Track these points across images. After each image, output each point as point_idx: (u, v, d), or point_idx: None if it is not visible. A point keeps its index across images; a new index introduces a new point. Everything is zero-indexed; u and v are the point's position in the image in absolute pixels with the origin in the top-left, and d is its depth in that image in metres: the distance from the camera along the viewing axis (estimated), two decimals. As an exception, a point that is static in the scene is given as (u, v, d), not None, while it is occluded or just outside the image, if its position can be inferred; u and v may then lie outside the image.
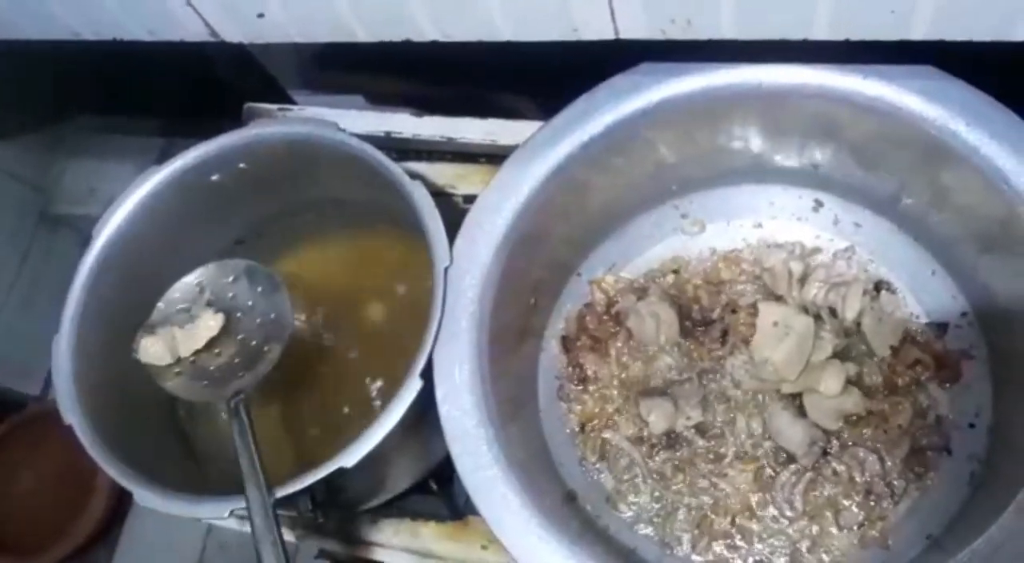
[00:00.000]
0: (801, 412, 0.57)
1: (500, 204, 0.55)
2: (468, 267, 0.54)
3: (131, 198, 0.61)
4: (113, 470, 0.53)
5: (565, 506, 0.57)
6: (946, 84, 0.50)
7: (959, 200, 0.52)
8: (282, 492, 0.50)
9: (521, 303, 0.60)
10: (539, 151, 0.55)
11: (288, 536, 0.71)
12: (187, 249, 0.66)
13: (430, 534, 0.68)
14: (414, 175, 0.72)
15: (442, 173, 0.74)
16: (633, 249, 0.67)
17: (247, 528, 0.66)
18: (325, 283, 0.69)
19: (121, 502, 1.25)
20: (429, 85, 0.76)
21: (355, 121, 0.72)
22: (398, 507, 0.69)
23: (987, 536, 0.44)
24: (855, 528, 0.55)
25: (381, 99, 0.77)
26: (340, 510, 0.65)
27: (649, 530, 0.59)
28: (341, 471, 0.50)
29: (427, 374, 0.52)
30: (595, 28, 0.46)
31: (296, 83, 0.83)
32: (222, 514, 0.51)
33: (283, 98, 0.84)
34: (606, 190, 0.61)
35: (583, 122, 0.55)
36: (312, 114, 0.73)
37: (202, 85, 0.95)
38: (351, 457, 0.50)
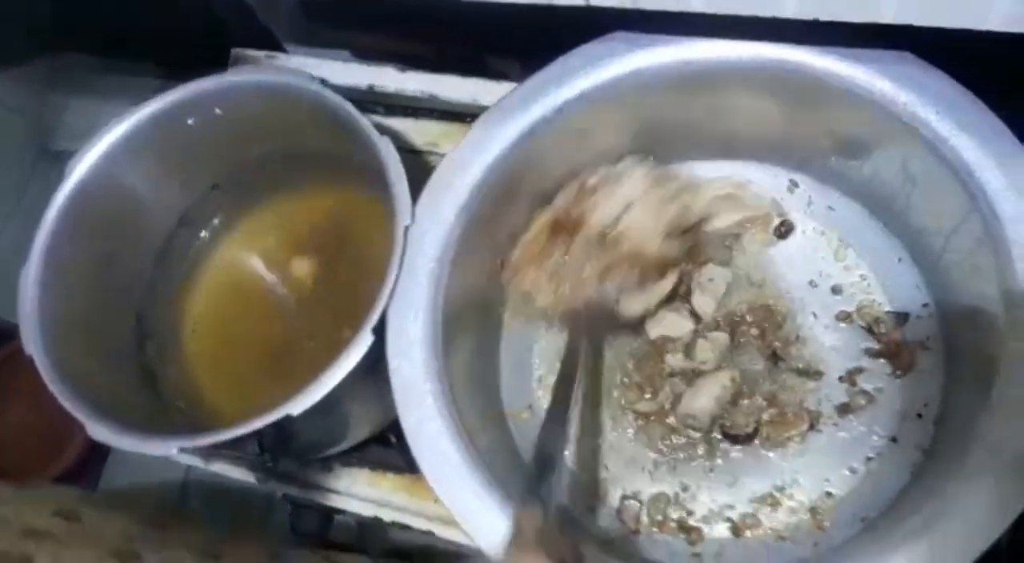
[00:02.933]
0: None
1: (467, 163, 0.55)
2: (430, 226, 0.54)
3: (107, 137, 0.61)
4: (68, 402, 0.54)
5: (514, 471, 0.57)
6: (922, 71, 0.49)
7: (926, 190, 0.52)
8: (228, 435, 0.51)
9: (486, 263, 0.60)
10: (510, 113, 0.55)
11: (248, 478, 0.73)
12: (163, 191, 0.67)
13: (388, 485, 0.69)
14: (395, 131, 0.73)
15: (427, 131, 0.74)
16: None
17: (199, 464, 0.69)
18: (300, 233, 0.69)
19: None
20: (416, 43, 0.76)
21: (339, 73, 0.72)
22: (358, 457, 0.70)
23: (922, 516, 0.44)
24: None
25: (370, 56, 0.77)
26: (296, 457, 0.65)
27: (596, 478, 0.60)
28: (288, 418, 0.51)
29: (381, 330, 0.52)
30: (568, -8, 0.45)
31: (288, 35, 0.82)
32: (170, 451, 0.52)
33: (276, 48, 0.83)
34: (578, 156, 0.60)
35: (556, 86, 0.55)
36: (296, 64, 0.73)
37: (204, 32, 0.95)
38: (297, 406, 0.50)
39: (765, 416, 0.58)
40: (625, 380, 0.62)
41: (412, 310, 0.52)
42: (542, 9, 0.47)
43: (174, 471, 1.30)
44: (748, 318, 0.60)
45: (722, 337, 0.59)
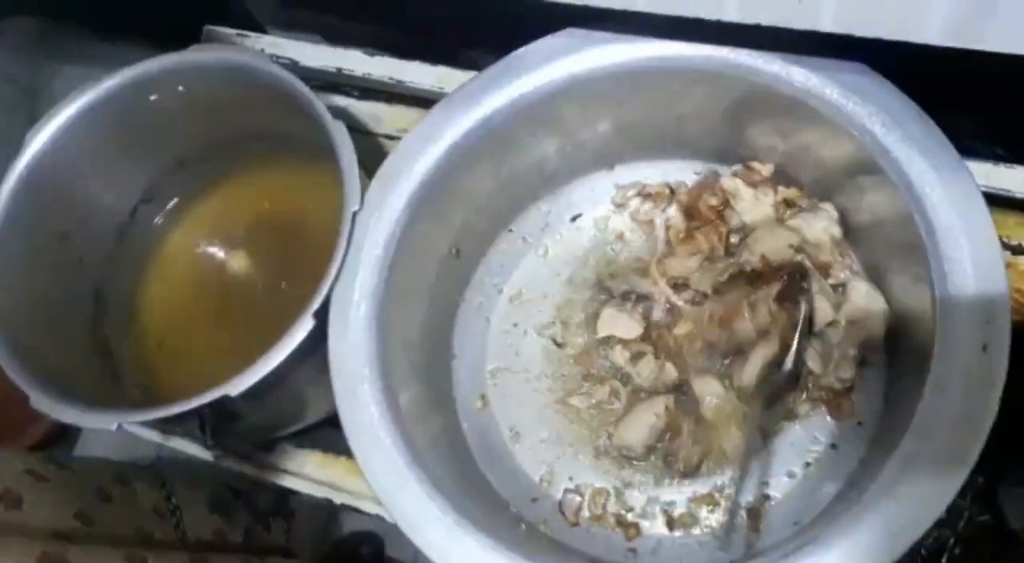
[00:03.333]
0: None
1: (419, 151, 0.55)
2: (378, 213, 0.54)
3: (66, 110, 0.61)
4: (13, 373, 0.54)
5: (458, 461, 0.58)
6: (872, 82, 0.49)
7: (871, 198, 0.52)
8: (167, 412, 0.52)
9: (437, 251, 0.60)
10: (465, 103, 0.55)
11: (206, 456, 0.73)
12: (124, 168, 0.67)
13: (339, 468, 0.69)
14: (366, 115, 0.73)
15: (401, 116, 0.74)
16: (567, 213, 0.67)
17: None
18: (260, 214, 0.69)
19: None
20: (389, 30, 0.75)
21: (308, 55, 0.72)
22: (310, 439, 0.70)
23: (851, 514, 0.44)
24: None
25: (344, 41, 0.76)
26: (243, 437, 0.66)
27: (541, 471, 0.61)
28: (227, 399, 0.51)
29: (324, 314, 0.52)
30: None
31: (267, 18, 0.82)
32: (110, 425, 0.53)
33: (256, 30, 0.83)
34: (535, 150, 0.61)
35: (512, 77, 0.55)
36: (266, 44, 0.73)
37: (191, 8, 0.95)
38: (235, 387, 0.51)
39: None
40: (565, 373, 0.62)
41: (355, 296, 0.53)
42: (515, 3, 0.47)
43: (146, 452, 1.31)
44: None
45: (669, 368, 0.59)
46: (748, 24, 0.42)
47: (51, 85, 1.31)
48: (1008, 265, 0.62)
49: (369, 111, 0.76)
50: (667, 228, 0.64)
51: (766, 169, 0.59)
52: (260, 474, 0.73)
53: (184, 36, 0.76)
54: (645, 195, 0.65)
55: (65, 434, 1.26)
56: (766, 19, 0.41)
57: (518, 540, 0.52)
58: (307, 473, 0.71)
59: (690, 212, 0.61)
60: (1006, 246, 0.62)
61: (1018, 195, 0.58)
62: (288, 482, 0.72)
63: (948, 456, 0.42)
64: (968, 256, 0.45)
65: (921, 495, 0.42)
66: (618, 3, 0.44)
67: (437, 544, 0.47)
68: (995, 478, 0.62)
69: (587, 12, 0.46)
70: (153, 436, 0.75)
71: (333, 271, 0.52)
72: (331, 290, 0.52)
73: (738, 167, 0.61)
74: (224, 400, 0.52)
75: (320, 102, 0.56)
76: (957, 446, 0.42)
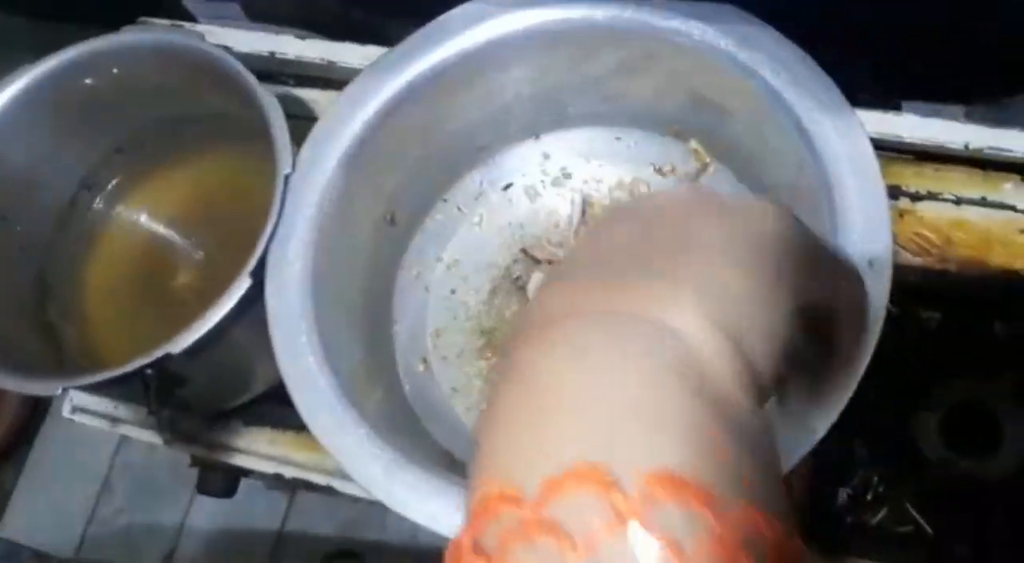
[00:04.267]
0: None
1: (349, 116, 0.58)
2: (310, 174, 0.57)
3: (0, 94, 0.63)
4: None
5: (395, 411, 0.60)
6: (748, 24, 0.53)
7: (772, 145, 0.56)
8: (109, 374, 0.53)
9: (371, 216, 0.62)
10: (390, 69, 0.58)
11: (156, 440, 0.75)
12: (62, 152, 0.68)
13: (288, 442, 0.71)
14: (303, 101, 0.75)
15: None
16: (499, 183, 0.70)
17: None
18: (200, 193, 0.71)
19: (34, 413, 1.28)
20: (317, 9, 0.78)
21: (240, 40, 0.74)
22: (259, 416, 0.72)
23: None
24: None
25: (272, 21, 0.79)
26: (190, 408, 0.67)
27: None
28: (169, 357, 0.53)
29: (260, 274, 0.55)
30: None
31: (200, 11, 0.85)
32: (55, 390, 0.54)
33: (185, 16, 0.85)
34: (463, 118, 0.63)
35: (435, 44, 0.58)
36: (199, 31, 0.75)
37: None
38: (176, 345, 0.53)
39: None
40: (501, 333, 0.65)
41: (290, 254, 0.55)
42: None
43: (105, 448, 1.31)
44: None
45: None
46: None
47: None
48: (906, 213, 0.67)
49: (305, 97, 0.78)
50: (584, 203, 0.67)
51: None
52: (210, 454, 0.75)
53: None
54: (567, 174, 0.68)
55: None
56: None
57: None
58: (257, 449, 0.72)
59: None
60: (904, 194, 0.67)
61: (908, 141, 0.62)
62: (239, 460, 0.73)
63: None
64: (856, 202, 0.48)
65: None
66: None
67: (379, 480, 0.49)
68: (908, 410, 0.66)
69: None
70: (101, 423, 0.76)
71: (267, 231, 0.55)
72: (266, 250, 0.55)
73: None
74: (166, 360, 0.53)
75: (250, 74, 0.58)
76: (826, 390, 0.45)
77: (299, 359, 0.52)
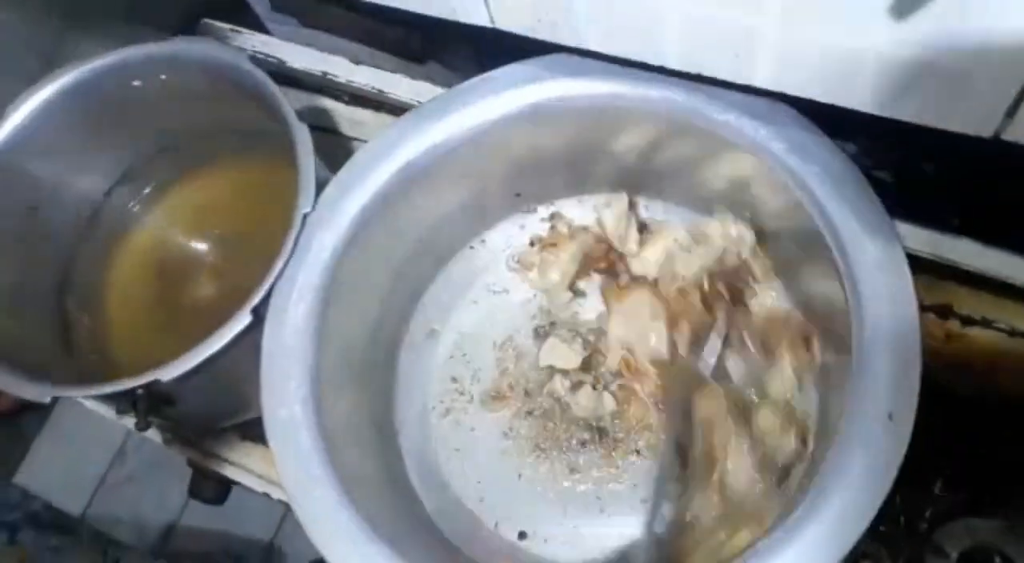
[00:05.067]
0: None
1: (379, 161, 0.56)
2: (330, 216, 0.55)
3: (50, 86, 0.63)
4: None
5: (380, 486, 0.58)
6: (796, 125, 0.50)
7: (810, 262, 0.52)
8: (99, 390, 0.53)
9: (390, 264, 0.61)
10: (427, 118, 0.56)
11: (157, 438, 0.75)
12: (103, 149, 0.68)
13: (279, 464, 0.70)
14: (336, 120, 0.74)
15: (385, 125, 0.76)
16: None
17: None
18: (229, 206, 0.71)
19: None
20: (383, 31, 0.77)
21: (296, 57, 0.74)
22: (257, 432, 0.71)
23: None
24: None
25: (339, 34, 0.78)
26: (181, 423, 0.67)
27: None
28: (158, 383, 0.52)
29: (263, 310, 0.54)
30: (471, 13, 0.46)
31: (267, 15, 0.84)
32: (44, 398, 0.54)
33: (255, 25, 0.85)
34: (504, 169, 0.61)
35: (480, 96, 0.56)
36: (257, 42, 0.74)
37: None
38: (166, 373, 0.52)
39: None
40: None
41: (295, 296, 0.53)
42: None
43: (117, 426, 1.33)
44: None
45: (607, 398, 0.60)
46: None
47: (72, 58, 1.33)
48: (953, 337, 0.63)
49: (355, 117, 0.77)
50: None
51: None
52: (204, 461, 0.74)
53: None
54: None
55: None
56: (704, 70, 0.42)
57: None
58: (249, 466, 0.72)
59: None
60: (955, 315, 0.63)
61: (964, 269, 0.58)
62: (231, 473, 0.73)
63: (845, 515, 0.42)
64: (887, 354, 0.45)
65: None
66: (569, 39, 0.45)
67: (339, 553, 0.47)
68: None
69: (545, 47, 0.47)
70: (106, 410, 0.77)
71: (277, 268, 0.54)
72: (272, 287, 0.53)
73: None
74: (156, 384, 0.53)
75: (287, 104, 0.57)
76: (853, 509, 0.42)
77: (284, 407, 0.51)
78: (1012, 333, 0.62)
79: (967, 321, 0.63)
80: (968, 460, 0.63)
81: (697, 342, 0.59)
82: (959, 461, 0.63)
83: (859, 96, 0.39)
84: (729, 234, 0.57)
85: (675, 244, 0.59)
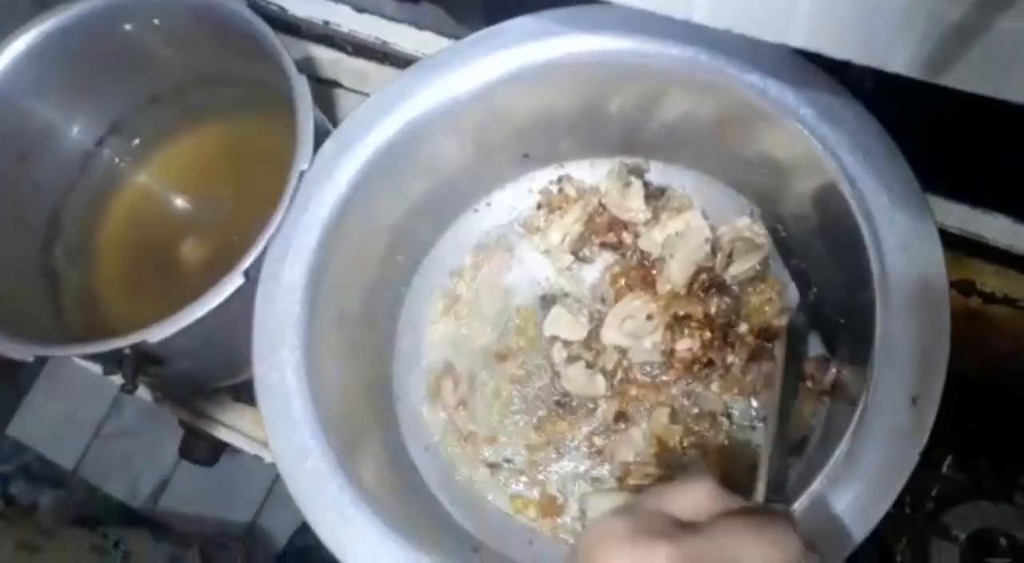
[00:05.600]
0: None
1: (381, 117, 0.53)
2: (330, 173, 0.52)
3: (34, 29, 0.59)
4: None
5: (373, 440, 0.56)
6: (844, 105, 0.47)
7: (834, 239, 0.50)
8: (84, 350, 0.51)
9: (390, 223, 0.58)
10: (434, 72, 0.53)
11: (147, 397, 0.73)
12: (94, 96, 0.65)
13: (271, 427, 0.68)
14: (339, 71, 0.71)
15: (388, 78, 0.72)
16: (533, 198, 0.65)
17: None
18: (225, 160, 0.68)
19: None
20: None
21: (298, 4, 0.70)
22: (249, 395, 0.69)
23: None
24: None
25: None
26: (172, 383, 0.65)
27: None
28: (145, 344, 0.50)
29: (257, 271, 0.51)
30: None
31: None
32: (27, 357, 0.52)
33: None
34: (506, 129, 0.58)
35: (487, 51, 0.53)
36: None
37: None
38: (154, 334, 0.50)
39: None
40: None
41: (290, 257, 0.51)
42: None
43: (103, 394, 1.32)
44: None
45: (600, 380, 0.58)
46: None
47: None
48: (976, 314, 0.60)
49: (357, 69, 0.74)
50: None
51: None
52: (195, 422, 0.73)
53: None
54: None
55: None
56: (735, 26, 0.39)
57: (436, 539, 0.50)
58: (241, 428, 0.70)
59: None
60: (978, 292, 0.60)
61: (993, 245, 0.55)
62: (223, 434, 0.71)
63: (859, 502, 0.41)
64: (916, 333, 0.42)
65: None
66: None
67: (328, 525, 0.46)
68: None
69: None
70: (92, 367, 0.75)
71: (272, 228, 0.51)
72: (267, 247, 0.51)
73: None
74: (143, 345, 0.50)
75: (287, 54, 0.54)
76: (872, 495, 0.41)
77: (275, 373, 0.49)
78: (1035, 311, 0.60)
79: (990, 299, 0.61)
80: (977, 441, 0.62)
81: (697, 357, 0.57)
82: (968, 441, 0.61)
83: (905, 58, 0.36)
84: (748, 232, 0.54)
85: (688, 227, 0.57)
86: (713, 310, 0.56)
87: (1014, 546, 0.58)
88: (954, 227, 0.56)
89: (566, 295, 0.61)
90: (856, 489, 0.41)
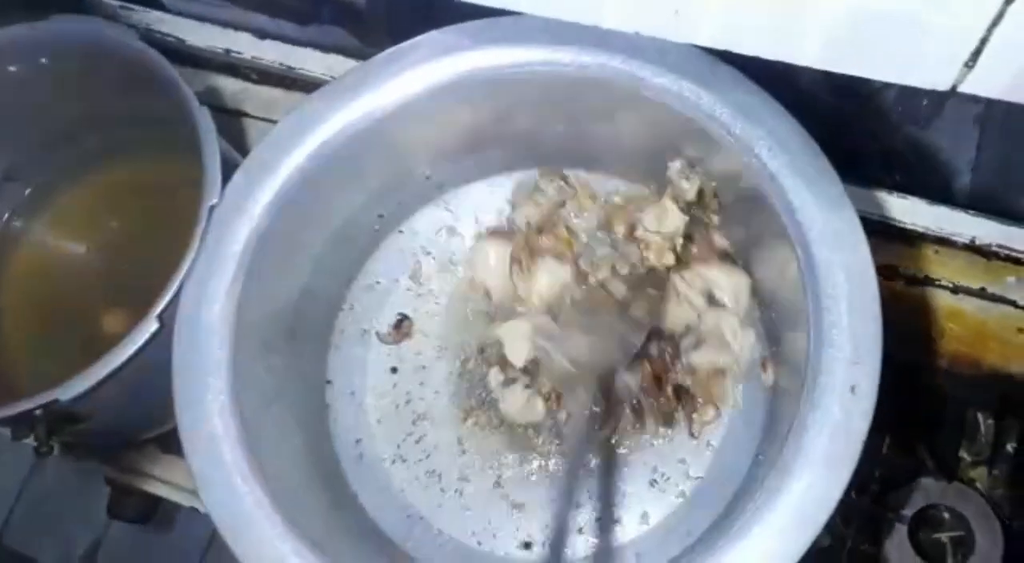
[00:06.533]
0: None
1: (291, 144, 0.51)
2: (242, 206, 0.50)
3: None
4: None
5: (314, 480, 0.54)
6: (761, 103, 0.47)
7: (758, 233, 0.50)
8: (-10, 415, 0.47)
9: (310, 252, 0.56)
10: (344, 94, 0.51)
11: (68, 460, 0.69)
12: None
13: (205, 476, 0.65)
14: (246, 101, 0.69)
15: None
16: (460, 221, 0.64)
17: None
18: (129, 204, 0.65)
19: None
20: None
21: (196, 34, 0.68)
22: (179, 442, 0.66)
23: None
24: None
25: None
26: (95, 440, 0.61)
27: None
28: (57, 403, 0.47)
29: (171, 315, 0.48)
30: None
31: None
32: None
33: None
34: (419, 152, 0.57)
35: (396, 71, 0.51)
36: (151, 19, 0.68)
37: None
38: (66, 391, 0.47)
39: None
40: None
41: (208, 298, 0.48)
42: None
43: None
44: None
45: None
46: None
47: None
48: (901, 296, 0.62)
49: (265, 96, 0.72)
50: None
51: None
52: (123, 478, 0.69)
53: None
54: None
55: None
56: (644, 29, 0.39)
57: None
58: (173, 480, 0.67)
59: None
60: (900, 276, 0.62)
61: (911, 227, 0.56)
62: (156, 489, 0.68)
63: (810, 494, 0.40)
64: (846, 321, 0.43)
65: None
66: (498, 3, 0.41)
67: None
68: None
69: (477, 11, 0.43)
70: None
71: (183, 269, 0.48)
72: (180, 289, 0.48)
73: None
74: (55, 404, 0.47)
75: (186, 86, 0.52)
76: (819, 486, 0.41)
77: (202, 423, 0.46)
78: (955, 290, 0.62)
79: (911, 281, 0.62)
80: (913, 421, 0.63)
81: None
82: (903, 422, 0.63)
83: (809, 51, 0.36)
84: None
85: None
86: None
87: (960, 520, 0.59)
88: (874, 214, 0.57)
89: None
90: (808, 479, 0.40)
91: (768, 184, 0.45)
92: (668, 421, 0.55)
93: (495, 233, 0.60)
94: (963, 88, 0.35)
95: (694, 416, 0.54)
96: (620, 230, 0.58)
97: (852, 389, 0.41)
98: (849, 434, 0.41)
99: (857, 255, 0.43)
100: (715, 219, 0.54)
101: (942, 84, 0.35)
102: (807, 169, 0.45)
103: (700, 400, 0.55)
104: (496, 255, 0.58)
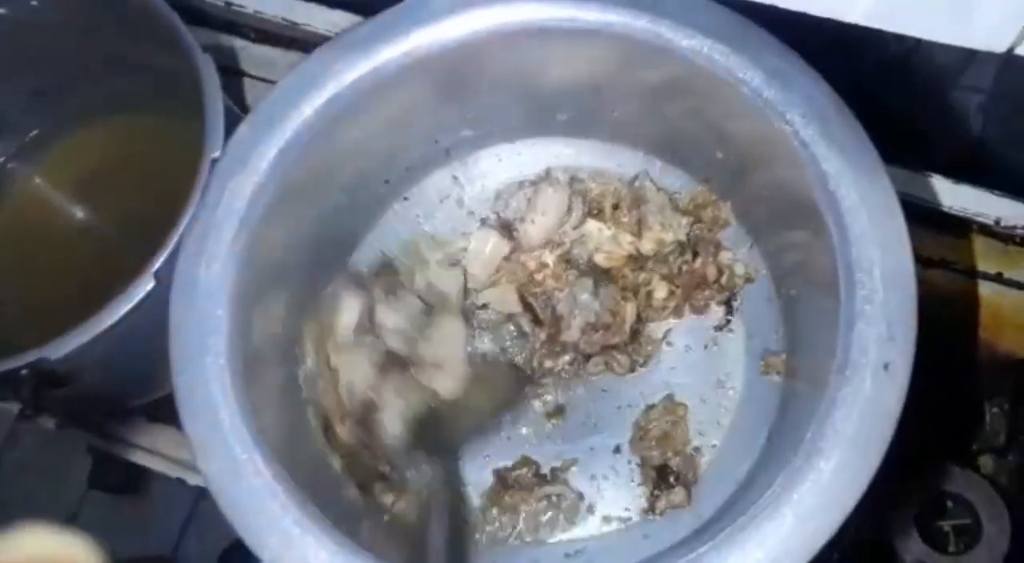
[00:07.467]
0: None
1: (298, 98, 0.48)
2: (245, 161, 0.47)
3: None
4: None
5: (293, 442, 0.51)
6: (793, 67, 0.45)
7: (792, 204, 0.48)
8: (-29, 374, 0.45)
9: (316, 212, 0.53)
10: (353, 48, 0.49)
11: (49, 424, 0.66)
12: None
13: (193, 445, 0.63)
14: (245, 59, 0.66)
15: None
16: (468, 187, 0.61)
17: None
18: (126, 157, 0.62)
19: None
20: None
21: (194, -18, 0.65)
22: (166, 413, 0.63)
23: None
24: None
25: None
26: (81, 405, 0.59)
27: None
28: (46, 362, 0.44)
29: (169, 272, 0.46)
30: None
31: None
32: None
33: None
34: (432, 113, 0.55)
35: (410, 26, 0.49)
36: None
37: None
38: (56, 349, 0.44)
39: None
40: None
41: (207, 256, 0.46)
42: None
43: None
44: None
45: None
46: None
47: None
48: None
49: (264, 56, 0.70)
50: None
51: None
52: (106, 446, 0.67)
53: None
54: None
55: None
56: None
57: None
58: (160, 450, 0.65)
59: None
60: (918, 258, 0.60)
61: (934, 207, 0.55)
62: (140, 459, 0.66)
63: (839, 477, 0.39)
64: (881, 297, 0.41)
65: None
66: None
67: (272, 548, 0.41)
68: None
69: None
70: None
71: (182, 225, 0.46)
72: (179, 246, 0.46)
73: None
74: (43, 363, 0.45)
75: (188, 33, 0.49)
76: (849, 468, 0.39)
77: (200, 387, 0.44)
78: (972, 274, 0.61)
79: (928, 263, 0.61)
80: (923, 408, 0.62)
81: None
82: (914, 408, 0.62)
83: (859, 6, 0.34)
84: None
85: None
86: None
87: (967, 507, 0.58)
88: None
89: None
90: (837, 459, 0.39)
91: (800, 152, 0.44)
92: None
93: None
94: (1021, 50, 0.33)
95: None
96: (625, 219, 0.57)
97: (886, 366, 0.39)
98: (881, 414, 0.39)
99: (893, 227, 0.41)
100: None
101: (998, 45, 0.34)
102: (841, 137, 0.43)
103: None
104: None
